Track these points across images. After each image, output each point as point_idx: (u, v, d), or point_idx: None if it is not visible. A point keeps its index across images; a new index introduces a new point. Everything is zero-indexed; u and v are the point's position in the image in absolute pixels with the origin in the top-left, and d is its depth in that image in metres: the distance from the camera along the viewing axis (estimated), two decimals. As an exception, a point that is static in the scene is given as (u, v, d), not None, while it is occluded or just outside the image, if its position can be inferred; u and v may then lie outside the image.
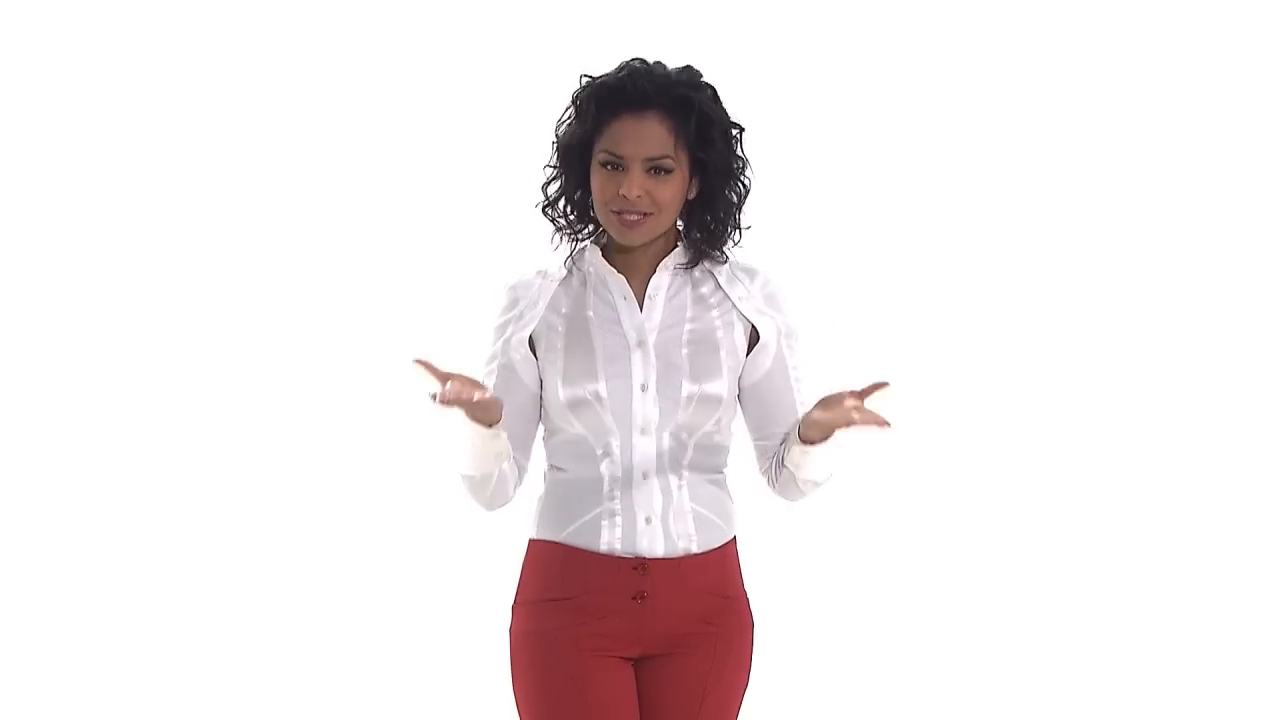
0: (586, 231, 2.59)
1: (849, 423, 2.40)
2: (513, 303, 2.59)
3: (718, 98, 2.52)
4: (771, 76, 4.43)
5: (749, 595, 2.63)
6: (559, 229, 2.59)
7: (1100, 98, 4.59)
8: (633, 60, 2.51)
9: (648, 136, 2.46)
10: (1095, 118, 4.59)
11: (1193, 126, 4.58)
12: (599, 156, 2.49)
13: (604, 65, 2.53)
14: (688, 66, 2.52)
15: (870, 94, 4.56)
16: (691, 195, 2.54)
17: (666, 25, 4.38)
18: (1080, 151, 4.59)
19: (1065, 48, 4.57)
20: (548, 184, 2.57)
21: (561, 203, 2.57)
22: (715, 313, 2.57)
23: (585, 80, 2.52)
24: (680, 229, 2.60)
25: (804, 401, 2.59)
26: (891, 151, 4.56)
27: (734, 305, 2.58)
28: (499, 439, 2.47)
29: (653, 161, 2.46)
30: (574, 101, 2.52)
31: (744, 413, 2.63)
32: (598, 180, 2.50)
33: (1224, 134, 4.58)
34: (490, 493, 2.57)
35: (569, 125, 2.53)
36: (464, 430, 2.44)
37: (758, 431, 2.63)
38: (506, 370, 2.58)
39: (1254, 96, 4.58)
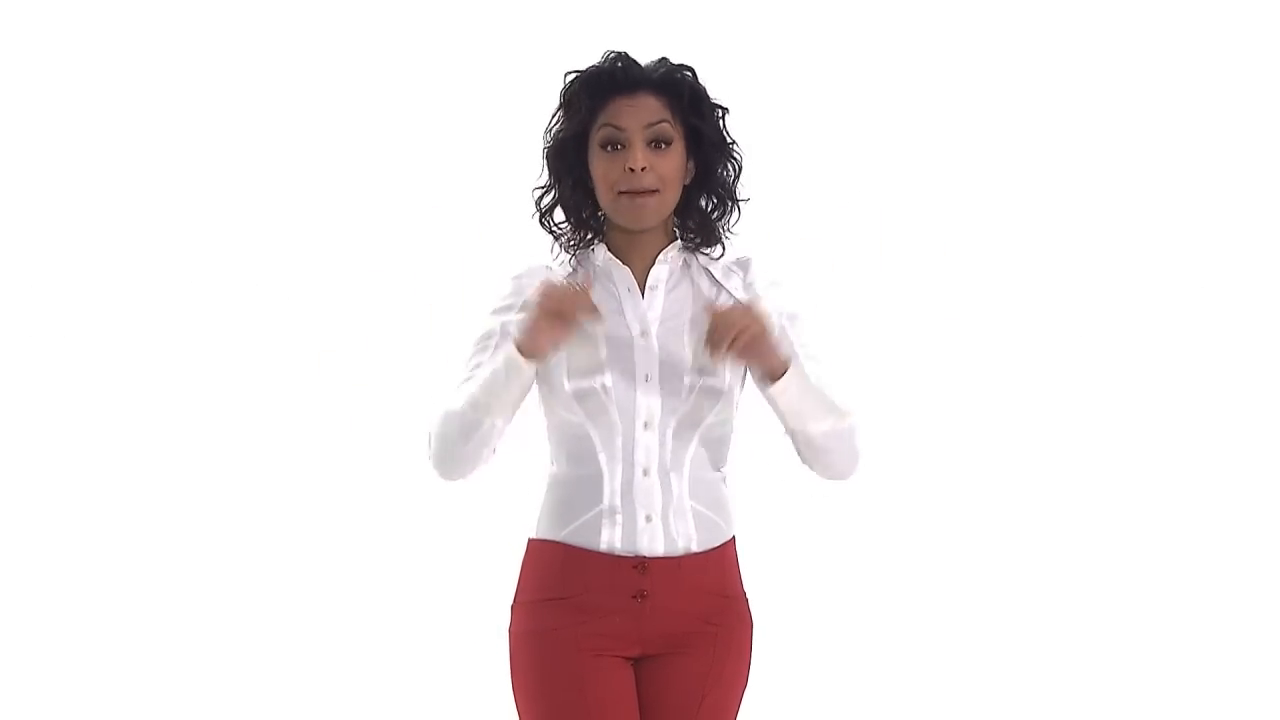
0: (587, 238, 2.60)
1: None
2: (516, 291, 2.59)
3: (699, 81, 2.55)
4: (768, 77, 4.43)
5: (748, 595, 2.64)
6: (557, 238, 2.61)
7: (1097, 91, 4.59)
8: (614, 52, 2.54)
9: (644, 108, 2.49)
10: (1091, 108, 4.59)
11: (1191, 128, 4.58)
12: (598, 137, 2.50)
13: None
14: (664, 58, 2.55)
15: (866, 95, 4.56)
16: (688, 179, 2.56)
17: (666, 26, 4.38)
18: (1076, 140, 4.59)
19: (1062, 37, 4.58)
20: (542, 196, 2.59)
21: (558, 210, 2.59)
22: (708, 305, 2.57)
23: (571, 75, 2.54)
24: (676, 224, 2.61)
25: (823, 381, 2.55)
26: (888, 151, 4.57)
27: (731, 297, 2.58)
28: (524, 377, 2.45)
29: (653, 129, 2.49)
30: (563, 97, 2.54)
31: (773, 409, 2.57)
32: (600, 165, 2.51)
33: (1223, 135, 4.58)
34: (470, 444, 2.49)
35: (560, 123, 2.55)
36: (508, 349, 2.42)
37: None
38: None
39: (1254, 97, 4.58)
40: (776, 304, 2.58)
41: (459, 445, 2.50)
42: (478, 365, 2.54)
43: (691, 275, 2.60)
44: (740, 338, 2.39)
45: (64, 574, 4.51)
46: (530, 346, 2.41)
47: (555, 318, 2.39)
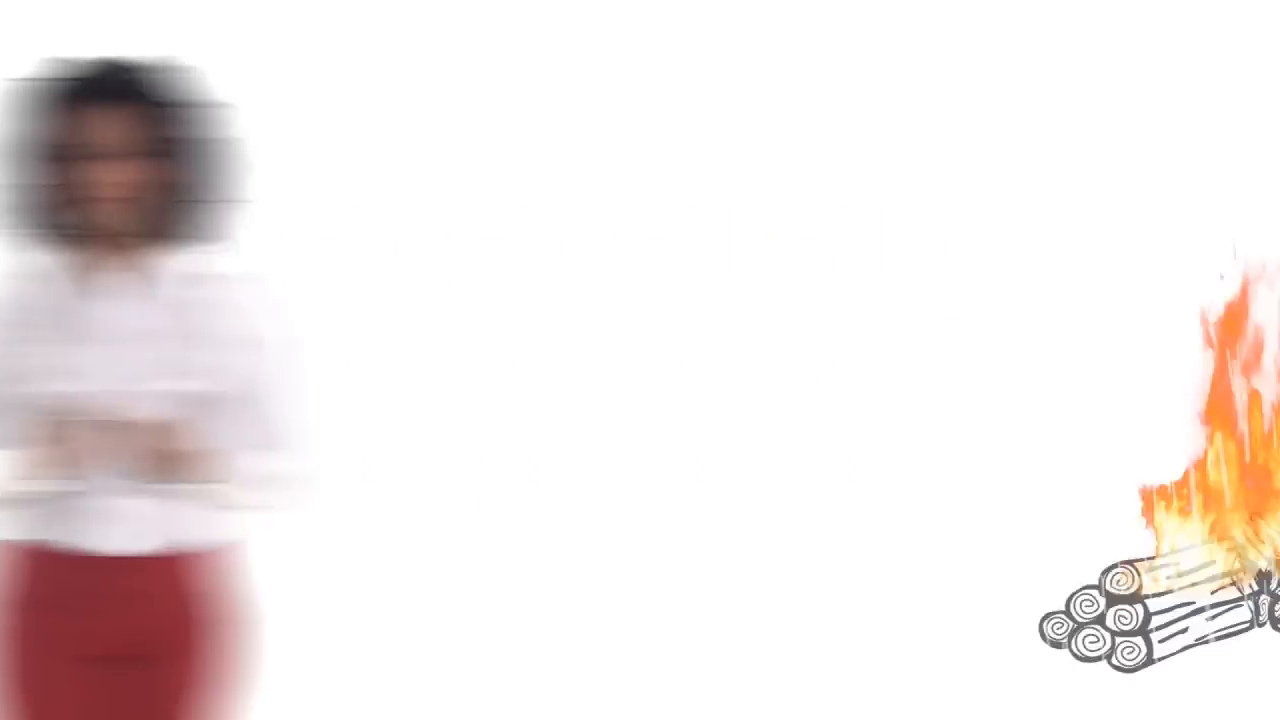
0: (64, 236, 2.54)
1: None
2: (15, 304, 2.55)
3: (192, 78, 2.54)
4: (768, 76, 4.42)
5: (248, 603, 2.60)
6: (33, 238, 2.54)
7: (1096, 93, 4.59)
8: (100, 56, 2.52)
9: (113, 125, 2.47)
10: (1090, 109, 4.59)
11: (1191, 129, 4.58)
12: (70, 150, 2.48)
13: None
14: (160, 56, 2.54)
15: (866, 95, 4.56)
16: (169, 179, 2.52)
17: (667, 25, 4.37)
18: (1075, 141, 4.59)
19: (1061, 38, 4.58)
20: (17, 193, 2.53)
21: (31, 199, 2.52)
22: (192, 312, 2.54)
23: (51, 77, 2.51)
24: (156, 227, 2.56)
25: (270, 416, 2.57)
26: (887, 151, 4.56)
27: (208, 308, 2.55)
28: None
29: (118, 149, 2.47)
30: (40, 99, 2.51)
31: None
32: (72, 172, 2.48)
33: (1222, 137, 4.57)
34: None
35: (35, 118, 2.51)
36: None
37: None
38: None
39: (1254, 97, 4.57)
40: (235, 330, 2.54)
41: None
42: None
43: (170, 281, 2.55)
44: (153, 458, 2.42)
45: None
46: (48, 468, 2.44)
47: (72, 460, 2.41)
